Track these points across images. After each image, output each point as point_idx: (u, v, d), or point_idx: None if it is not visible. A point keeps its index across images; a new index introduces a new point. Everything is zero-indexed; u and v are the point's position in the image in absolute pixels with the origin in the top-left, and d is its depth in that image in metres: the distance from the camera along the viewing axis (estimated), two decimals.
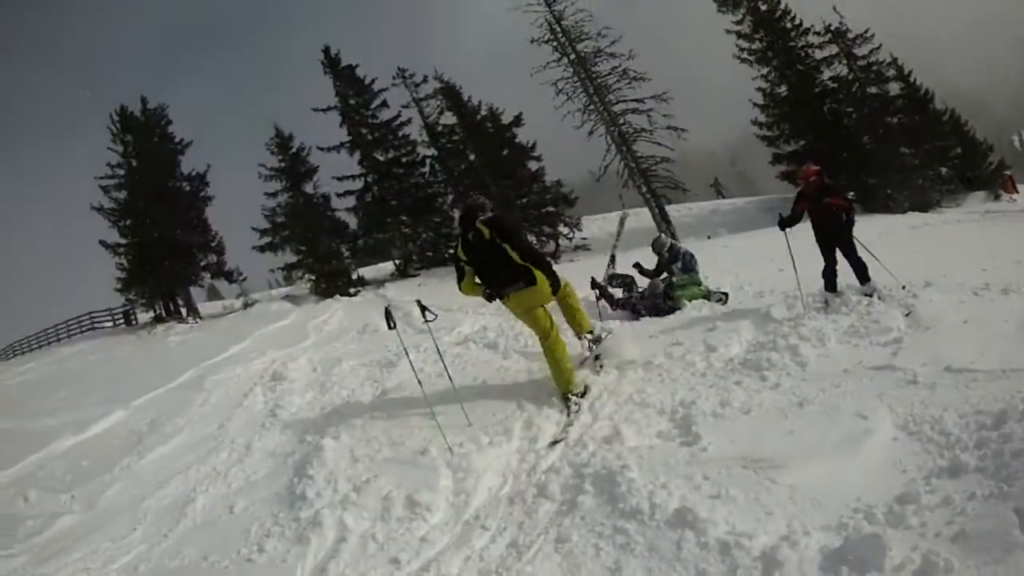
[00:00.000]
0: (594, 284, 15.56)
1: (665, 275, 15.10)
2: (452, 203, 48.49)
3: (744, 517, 5.60)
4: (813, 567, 4.83)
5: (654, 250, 15.89)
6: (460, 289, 9.93)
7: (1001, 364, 7.18)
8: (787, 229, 12.25)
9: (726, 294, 14.74)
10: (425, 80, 49.09)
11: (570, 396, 9.10)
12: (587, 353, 10.09)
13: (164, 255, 41.40)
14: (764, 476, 6.19)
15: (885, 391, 7.39)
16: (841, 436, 6.61)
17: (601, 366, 9.75)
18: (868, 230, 13.02)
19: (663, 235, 16.51)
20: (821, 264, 12.24)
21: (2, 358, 51.51)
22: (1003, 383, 6.73)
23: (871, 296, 11.09)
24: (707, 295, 14.54)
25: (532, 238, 44.42)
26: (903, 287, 11.53)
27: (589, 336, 10.08)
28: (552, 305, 9.94)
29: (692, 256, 15.41)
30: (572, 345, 10.20)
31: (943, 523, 4.83)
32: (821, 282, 12.23)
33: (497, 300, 9.70)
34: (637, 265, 15.87)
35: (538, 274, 9.23)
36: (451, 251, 10.07)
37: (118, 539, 7.94)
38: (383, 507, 7.24)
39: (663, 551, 5.43)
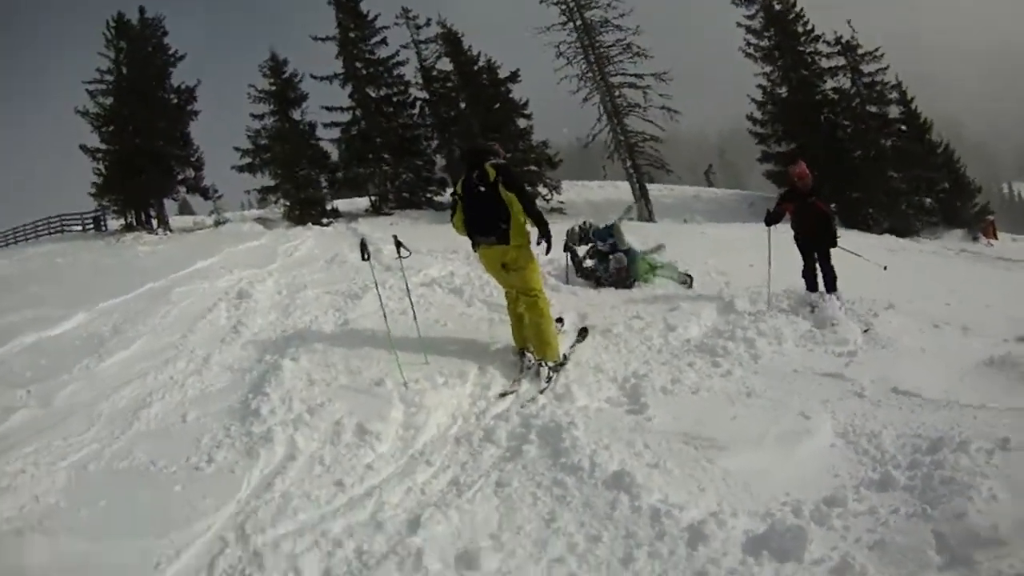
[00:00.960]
0: (567, 247, 15.66)
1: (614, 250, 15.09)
2: (436, 148, 48.83)
3: (678, 489, 5.78)
4: (736, 547, 4.99)
5: (572, 244, 15.86)
6: (452, 223, 9.92)
7: (947, 396, 7.37)
8: (770, 227, 12.37)
9: (690, 276, 14.84)
10: (428, 23, 49.01)
11: (546, 363, 9.10)
12: (540, 380, 8.97)
13: (143, 164, 40.89)
14: (703, 455, 6.40)
15: (831, 398, 7.60)
16: (782, 431, 6.80)
17: (546, 385, 8.83)
18: (843, 243, 13.13)
19: (574, 228, 16.36)
20: (794, 266, 12.41)
21: None
22: (944, 413, 6.90)
23: (837, 304, 11.30)
24: (673, 276, 14.66)
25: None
26: (884, 268, 11.68)
27: (550, 365, 9.14)
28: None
29: (607, 228, 15.48)
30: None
31: (864, 530, 4.99)
32: (788, 282, 12.34)
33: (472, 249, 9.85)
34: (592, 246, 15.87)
35: (515, 234, 9.20)
36: (451, 191, 9.98)
37: (71, 437, 7.91)
38: (334, 431, 7.38)
39: (597, 509, 5.61)
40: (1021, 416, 6.65)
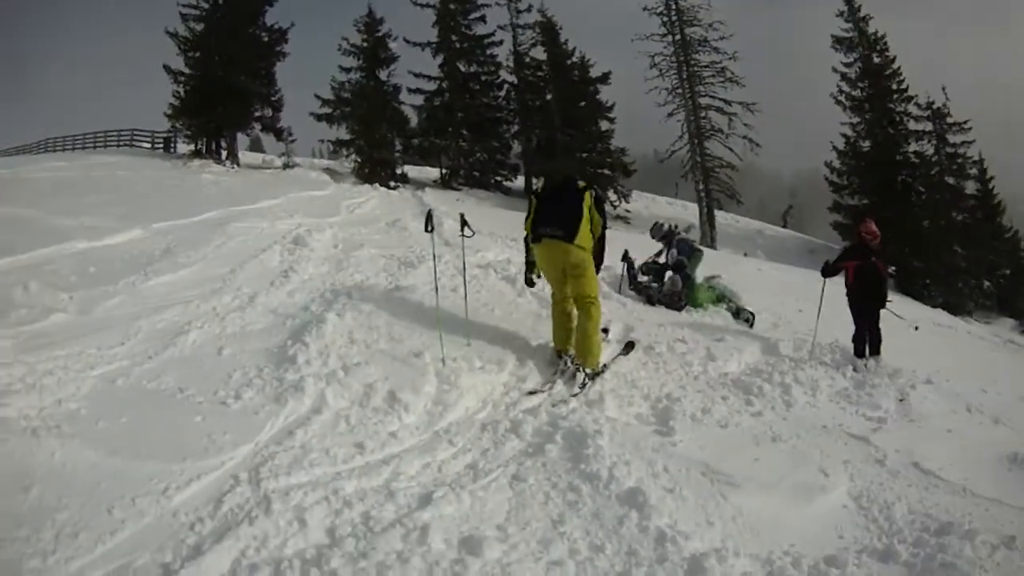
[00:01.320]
0: (625, 256, 15.67)
1: (670, 270, 15.13)
2: (515, 134, 49.11)
3: (687, 518, 5.82)
4: None
5: (652, 235, 16.12)
6: (524, 224, 10.01)
7: (965, 483, 7.29)
8: (826, 278, 12.35)
9: (753, 315, 14.63)
10: (529, 9, 48.92)
11: (584, 370, 9.10)
12: (573, 384, 8.97)
13: (223, 94, 41.15)
14: (718, 489, 6.42)
15: (852, 460, 7.56)
16: (799, 482, 6.82)
17: (579, 390, 8.83)
18: (896, 309, 13.04)
19: (661, 222, 16.44)
20: (842, 320, 12.28)
21: (36, 151, 51.71)
22: (958, 499, 6.87)
23: (874, 364, 11.30)
24: (736, 312, 14.55)
25: None
26: (915, 327, 11.63)
27: (588, 372, 9.16)
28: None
29: (690, 244, 15.65)
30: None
31: None
32: (833, 336, 12.27)
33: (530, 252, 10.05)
34: (645, 265, 15.92)
35: (582, 237, 9.37)
36: (532, 192, 10.04)
37: (104, 348, 8.00)
38: (365, 393, 7.47)
39: (606, 521, 5.65)
40: None
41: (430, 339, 8.98)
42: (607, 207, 41.80)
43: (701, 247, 15.76)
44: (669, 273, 14.97)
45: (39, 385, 6.73)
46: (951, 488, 7.12)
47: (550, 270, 9.87)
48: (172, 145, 44.45)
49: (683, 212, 45.85)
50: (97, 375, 7.31)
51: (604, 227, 9.84)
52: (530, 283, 10.41)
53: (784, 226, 61.15)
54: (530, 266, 10.18)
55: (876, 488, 6.88)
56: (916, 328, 11.66)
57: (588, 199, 9.53)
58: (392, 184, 41.10)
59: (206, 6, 43.34)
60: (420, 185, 42.78)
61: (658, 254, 15.64)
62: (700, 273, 15.35)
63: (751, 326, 14.05)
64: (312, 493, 5.54)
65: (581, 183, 9.69)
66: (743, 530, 5.85)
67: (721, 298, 14.88)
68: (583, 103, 47.16)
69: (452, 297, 10.81)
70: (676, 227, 16.23)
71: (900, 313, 12.51)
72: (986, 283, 48.33)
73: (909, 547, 5.68)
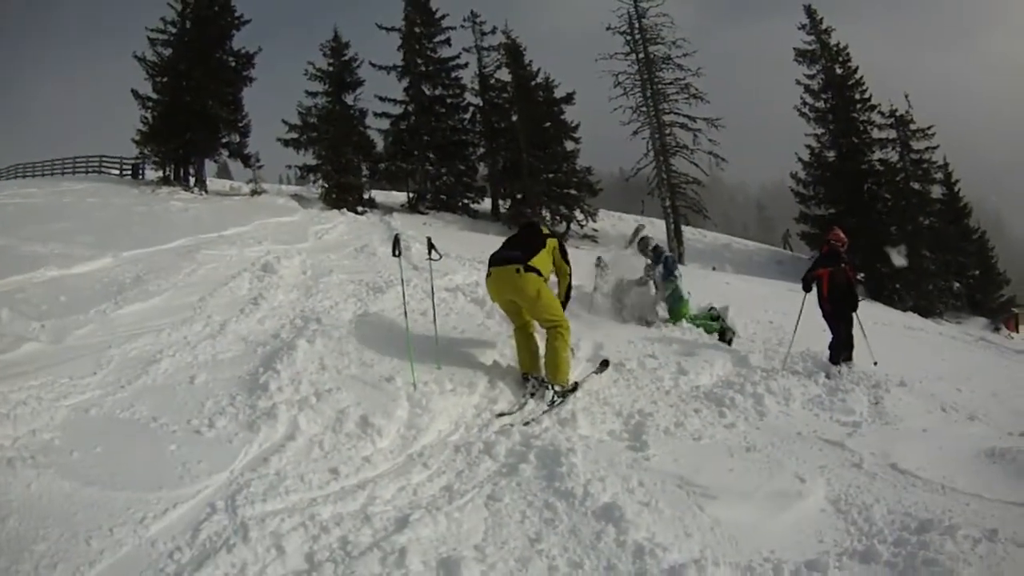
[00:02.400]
0: (599, 262, 15.98)
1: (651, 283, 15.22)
2: (481, 156, 49.14)
3: (665, 531, 5.83)
4: None
5: (641, 251, 16.07)
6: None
7: (943, 480, 7.35)
8: (808, 292, 12.46)
9: (734, 333, 14.51)
10: (493, 31, 49.27)
11: (553, 387, 9.18)
12: (542, 402, 9.07)
13: (190, 120, 41.07)
14: (694, 501, 6.45)
15: (829, 465, 7.63)
16: (776, 489, 6.86)
17: (548, 407, 8.92)
18: (866, 315, 13.13)
19: (649, 237, 16.55)
20: (814, 330, 12.44)
21: (4, 176, 51.58)
22: (938, 497, 6.93)
23: (847, 370, 11.44)
24: (721, 332, 14.41)
25: (547, 213, 44.97)
26: (875, 363, 11.72)
27: (557, 388, 9.24)
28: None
29: (674, 260, 15.65)
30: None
31: None
32: (805, 346, 12.41)
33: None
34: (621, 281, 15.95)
35: (539, 265, 9.68)
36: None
37: (77, 378, 8.00)
38: (337, 419, 7.49)
39: (583, 537, 5.66)
40: (1013, 510, 6.68)
41: (401, 363, 9.03)
42: (574, 226, 42.24)
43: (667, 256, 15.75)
44: (639, 287, 15.06)
45: (13, 415, 6.71)
46: (930, 486, 7.20)
47: (499, 299, 10.05)
48: (140, 172, 44.34)
49: (649, 229, 46.06)
50: (70, 405, 7.32)
51: (570, 275, 10.39)
52: None
53: (785, 248, 61.24)
54: None
55: (854, 491, 6.93)
56: (876, 364, 11.67)
57: (552, 244, 9.95)
58: (360, 209, 41.10)
59: (174, 31, 43.36)
60: (388, 210, 42.80)
61: (647, 270, 15.66)
62: (685, 288, 15.37)
63: (729, 343, 13.99)
64: (289, 519, 5.54)
65: (546, 230, 10.11)
66: (722, 540, 5.86)
67: (708, 320, 14.86)
68: (548, 124, 47.28)
69: (421, 321, 10.83)
70: (651, 242, 16.28)
71: (864, 330, 12.54)
72: (955, 284, 48.70)
73: (890, 547, 5.71)
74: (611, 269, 15.81)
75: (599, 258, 16.42)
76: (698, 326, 14.25)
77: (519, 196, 45.87)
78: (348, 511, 5.83)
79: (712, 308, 15.28)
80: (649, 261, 15.56)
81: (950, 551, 5.40)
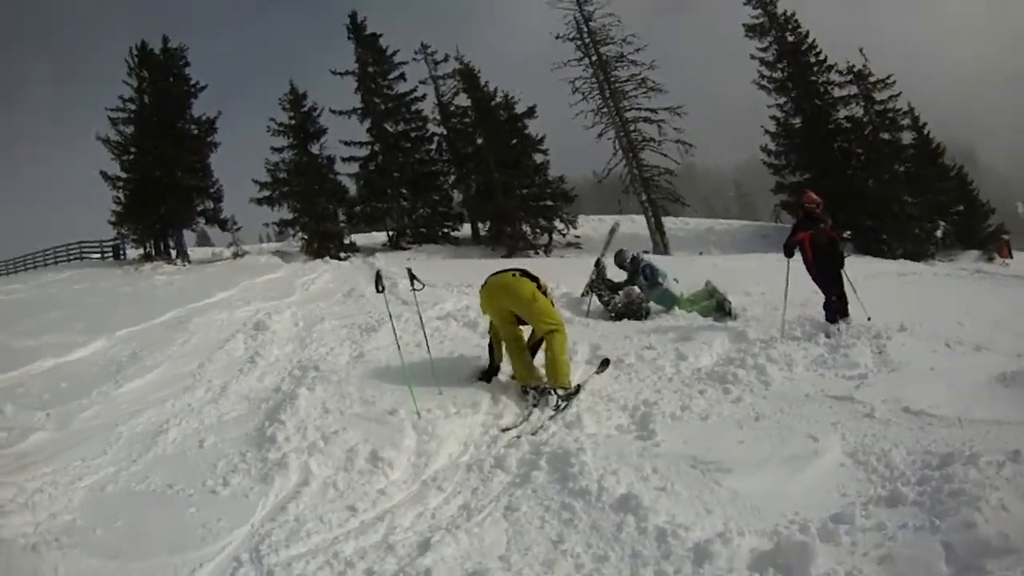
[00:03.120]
0: (598, 263, 16.29)
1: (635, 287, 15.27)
2: (453, 183, 49.26)
3: (685, 511, 5.87)
4: (742, 564, 5.04)
5: (618, 264, 16.17)
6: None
7: (958, 413, 7.37)
8: (790, 258, 12.40)
9: (730, 302, 14.76)
10: (446, 59, 49.70)
11: (556, 391, 9.19)
12: (547, 408, 9.07)
13: (162, 194, 41.30)
14: (710, 478, 6.48)
15: (841, 420, 7.64)
16: (790, 453, 6.88)
17: (554, 412, 8.94)
18: (857, 270, 13.20)
19: (624, 250, 16.61)
20: (806, 294, 12.54)
21: None
22: (955, 431, 6.96)
23: (845, 326, 11.44)
24: (720, 305, 14.65)
25: (527, 228, 45.24)
26: (868, 318, 11.74)
27: (561, 392, 9.22)
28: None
29: (652, 268, 15.62)
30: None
31: (872, 545, 5.00)
32: (800, 311, 12.52)
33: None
34: (608, 282, 16.08)
35: (531, 276, 9.99)
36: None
37: (89, 459, 8.09)
38: (347, 458, 7.52)
39: (604, 531, 5.70)
40: None
41: (402, 395, 9.03)
42: (556, 236, 42.36)
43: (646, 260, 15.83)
44: (626, 288, 15.14)
45: (31, 503, 6.80)
46: (946, 422, 7.25)
47: (492, 308, 10.15)
48: (122, 252, 44.32)
49: (632, 226, 45.89)
50: (86, 485, 7.40)
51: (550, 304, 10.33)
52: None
53: (777, 223, 61.19)
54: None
55: (870, 440, 6.96)
56: (869, 319, 11.68)
57: (536, 285, 10.00)
58: (342, 255, 41.19)
59: (133, 107, 43.67)
60: (370, 251, 42.84)
61: (626, 281, 15.71)
62: (673, 281, 15.46)
63: (732, 316, 14.16)
64: (313, 561, 5.60)
65: (519, 272, 10.23)
66: (743, 511, 5.89)
67: (703, 300, 14.96)
68: (514, 141, 47.36)
69: (417, 352, 10.93)
70: (627, 254, 16.38)
71: (854, 287, 12.57)
72: (942, 223, 48.73)
73: (914, 487, 5.71)
74: (606, 270, 15.95)
75: (598, 259, 16.54)
76: (698, 311, 14.32)
77: (497, 216, 45.91)
78: (370, 543, 5.88)
79: (708, 282, 15.33)
80: (627, 275, 15.70)
81: (975, 479, 5.38)
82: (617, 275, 16.18)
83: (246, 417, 9.22)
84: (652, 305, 15.03)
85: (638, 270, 15.43)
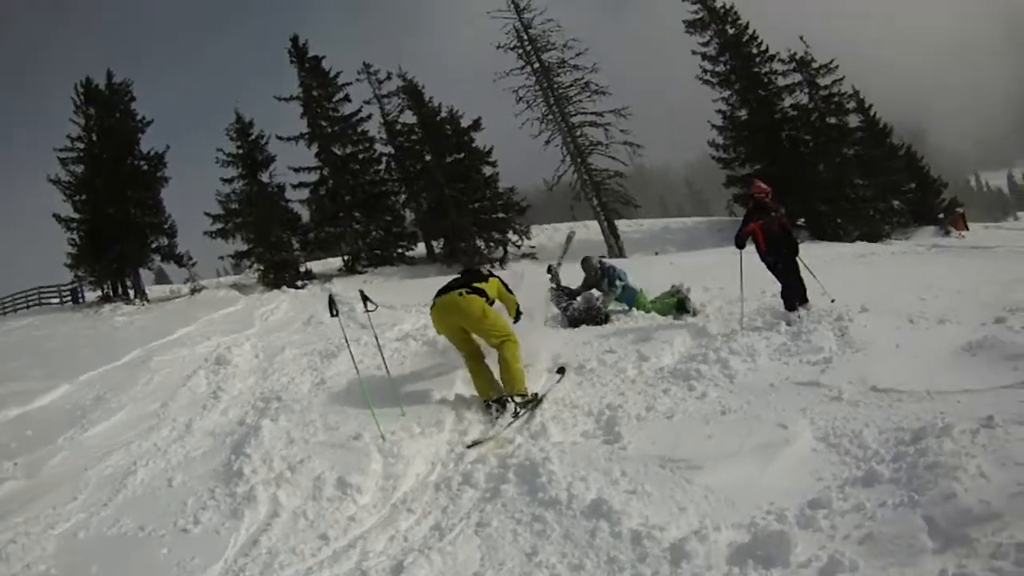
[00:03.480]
0: (550, 269, 16.30)
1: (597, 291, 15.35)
2: (404, 203, 49.02)
3: (657, 511, 5.87)
4: (720, 560, 5.05)
5: (586, 271, 16.14)
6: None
7: (927, 387, 7.42)
8: (742, 249, 12.43)
9: (688, 299, 14.76)
10: (389, 77, 49.38)
11: (513, 398, 9.25)
12: (507, 416, 9.11)
13: (117, 233, 40.84)
14: (681, 476, 6.48)
15: (809, 405, 7.66)
16: (760, 443, 6.89)
17: (513, 419, 9.04)
18: (814, 255, 13.26)
19: (591, 257, 16.67)
20: (762, 284, 12.59)
21: None
22: (926, 404, 7.01)
23: (805, 312, 11.46)
24: (681, 304, 14.63)
25: (481, 243, 45.25)
26: (831, 300, 11.80)
27: (518, 399, 9.35)
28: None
29: (613, 268, 15.71)
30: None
31: (852, 527, 5.05)
32: (759, 302, 12.62)
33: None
34: (564, 288, 16.09)
35: (488, 290, 10.03)
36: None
37: (59, 506, 8.09)
38: (315, 487, 7.48)
39: (577, 538, 5.70)
40: (1004, 394, 6.81)
41: (365, 419, 9.01)
42: (511, 248, 42.45)
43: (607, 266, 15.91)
44: (584, 293, 15.19)
45: (4, 554, 6.83)
46: (915, 397, 7.28)
47: (444, 327, 10.18)
48: (80, 295, 43.48)
49: (585, 232, 45.97)
50: (59, 533, 7.43)
51: (516, 302, 10.72)
52: None
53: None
54: None
55: (840, 423, 6.99)
56: (832, 301, 11.74)
57: (495, 281, 10.32)
58: (299, 283, 40.96)
59: (82, 146, 43.12)
60: (327, 278, 42.58)
61: (582, 285, 15.75)
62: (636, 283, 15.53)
63: (693, 313, 14.17)
64: None
65: (486, 271, 10.51)
66: (718, 506, 5.90)
67: (667, 298, 14.98)
68: (462, 155, 47.43)
69: (378, 374, 10.77)
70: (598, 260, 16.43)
71: (812, 271, 12.64)
72: (895, 202, 49.40)
73: (889, 464, 5.78)
74: (560, 276, 15.97)
75: (550, 266, 16.56)
76: (658, 310, 14.36)
77: (451, 233, 45.85)
78: (343, 571, 5.89)
79: (672, 285, 15.36)
80: (584, 278, 15.79)
81: (950, 449, 5.47)
82: (572, 280, 16.18)
83: (212, 453, 9.20)
84: (613, 306, 15.09)
85: (605, 274, 15.44)
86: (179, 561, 6.39)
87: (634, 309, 14.88)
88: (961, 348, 8.55)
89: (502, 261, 44.53)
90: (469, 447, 8.42)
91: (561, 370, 10.66)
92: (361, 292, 10.63)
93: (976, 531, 4.49)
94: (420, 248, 49.40)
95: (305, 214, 47.51)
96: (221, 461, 8.73)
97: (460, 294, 9.76)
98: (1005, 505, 4.59)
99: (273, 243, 43.36)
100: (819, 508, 5.37)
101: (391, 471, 7.77)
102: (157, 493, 8.15)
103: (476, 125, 47.93)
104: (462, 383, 10.56)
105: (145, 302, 40.24)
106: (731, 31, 50.45)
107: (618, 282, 15.22)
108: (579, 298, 15.05)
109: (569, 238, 20.35)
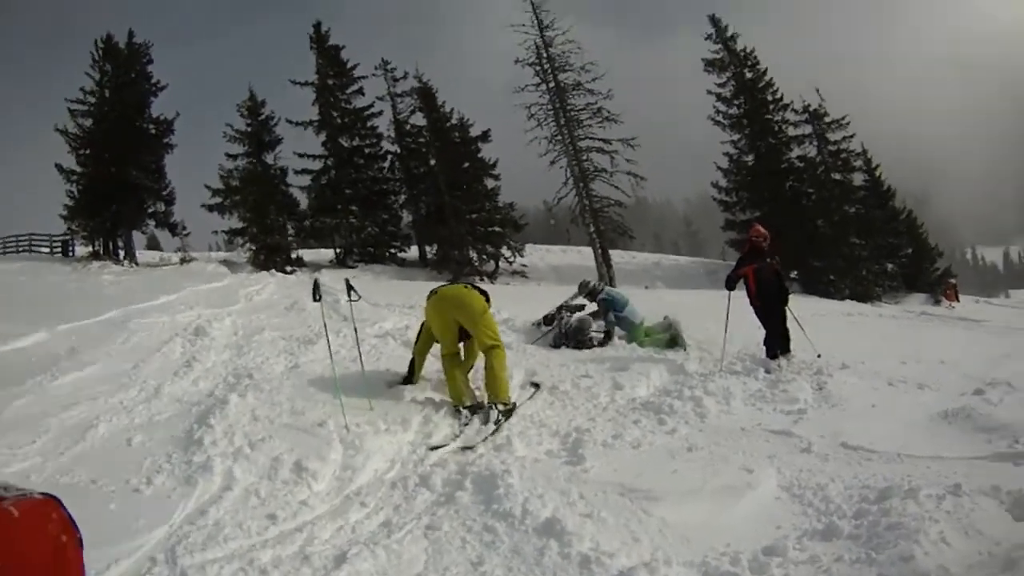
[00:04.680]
0: (586, 287, 16.19)
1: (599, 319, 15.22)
2: (403, 203, 48.80)
3: (610, 538, 5.83)
4: None
5: (583, 294, 16.12)
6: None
7: (899, 449, 7.47)
8: (731, 290, 12.52)
9: (681, 338, 14.47)
10: (405, 76, 48.94)
11: (496, 406, 9.33)
12: (489, 424, 9.16)
13: (115, 192, 40.66)
14: (639, 506, 6.47)
15: (777, 454, 7.70)
16: (723, 484, 6.91)
17: (495, 427, 9.11)
18: (803, 309, 13.28)
19: (589, 281, 16.60)
20: (748, 330, 12.56)
21: None
22: (895, 466, 7.03)
23: (786, 362, 11.54)
24: (674, 340, 14.43)
25: (474, 254, 45.22)
26: (818, 355, 11.80)
27: (502, 407, 9.50)
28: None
29: (614, 299, 15.50)
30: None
31: None
32: (741, 346, 12.56)
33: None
34: (574, 306, 15.95)
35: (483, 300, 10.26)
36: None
37: (16, 447, 8.06)
38: (272, 466, 7.48)
39: (526, 555, 5.67)
40: (976, 464, 6.83)
41: (332, 408, 9.05)
42: (503, 263, 42.38)
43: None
44: (579, 314, 15.10)
45: None
46: (886, 457, 7.33)
47: (439, 320, 10.26)
48: (71, 248, 43.48)
49: (579, 257, 46.09)
50: (11, 472, 7.34)
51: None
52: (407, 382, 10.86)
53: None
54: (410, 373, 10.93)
55: (806, 474, 7.00)
56: (819, 356, 11.77)
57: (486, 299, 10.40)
58: (288, 269, 40.78)
59: (93, 100, 42.92)
60: (316, 268, 42.28)
61: (593, 313, 15.67)
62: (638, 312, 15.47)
63: (685, 348, 13.96)
64: (228, 566, 5.56)
65: (470, 285, 10.78)
66: (672, 540, 5.89)
67: (671, 338, 14.85)
68: (467, 164, 47.24)
69: (353, 367, 10.88)
70: (599, 285, 16.41)
71: (801, 324, 12.64)
72: (889, 266, 49.43)
73: (850, 520, 5.78)
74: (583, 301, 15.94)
75: (586, 282, 16.49)
76: (651, 345, 14.28)
77: (445, 239, 45.78)
78: (287, 554, 5.84)
79: (665, 317, 15.35)
80: (598, 308, 15.62)
81: (914, 512, 5.46)
82: (587, 306, 16.10)
83: (176, 419, 9.15)
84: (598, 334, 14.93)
85: (606, 306, 15.36)
86: (125, 519, 6.34)
87: (626, 339, 14.74)
88: (937, 415, 8.64)
89: (492, 275, 44.37)
90: (432, 450, 8.42)
91: (536, 385, 10.72)
92: (347, 281, 10.79)
93: None
94: (413, 251, 49.19)
95: (304, 201, 47.28)
96: (184, 428, 8.69)
97: (466, 287, 10.19)
98: (964, 573, 4.60)
99: (268, 225, 43.25)
100: (774, 555, 5.35)
101: (350, 462, 7.77)
102: (115, 450, 8.11)
103: (484, 136, 47.69)
104: (434, 388, 10.61)
105: (134, 264, 40.21)
106: (748, 75, 50.32)
107: (612, 315, 15.10)
108: (575, 316, 14.98)
109: (583, 286, 20.27)
